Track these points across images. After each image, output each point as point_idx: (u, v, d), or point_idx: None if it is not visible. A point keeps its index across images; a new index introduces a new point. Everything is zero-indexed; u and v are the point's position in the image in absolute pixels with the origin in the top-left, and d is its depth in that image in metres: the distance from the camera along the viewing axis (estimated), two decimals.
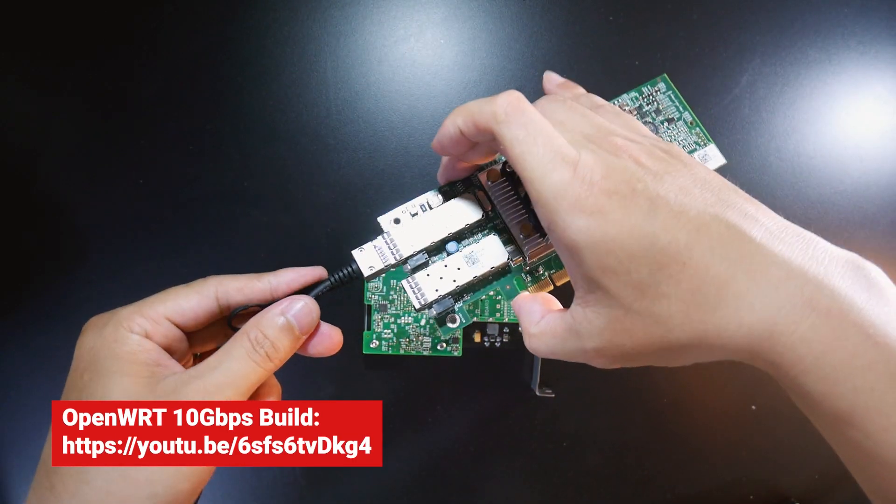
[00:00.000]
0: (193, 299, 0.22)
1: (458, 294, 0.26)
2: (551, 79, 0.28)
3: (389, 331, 0.35)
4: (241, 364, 0.21)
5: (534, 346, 0.22)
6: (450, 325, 0.27)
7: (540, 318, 0.22)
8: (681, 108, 0.30)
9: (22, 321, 0.37)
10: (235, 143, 0.37)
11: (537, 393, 0.36)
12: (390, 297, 0.35)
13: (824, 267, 0.18)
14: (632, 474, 0.38)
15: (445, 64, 0.37)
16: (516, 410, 0.37)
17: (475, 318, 0.34)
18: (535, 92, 0.33)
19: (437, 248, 0.26)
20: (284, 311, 0.22)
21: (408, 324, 0.35)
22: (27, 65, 0.36)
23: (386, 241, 0.24)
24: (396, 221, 0.25)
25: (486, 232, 0.26)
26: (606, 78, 0.36)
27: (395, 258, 0.24)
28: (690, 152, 0.29)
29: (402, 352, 0.35)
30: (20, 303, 0.37)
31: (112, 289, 0.37)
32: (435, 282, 0.24)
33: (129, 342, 0.21)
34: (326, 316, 0.37)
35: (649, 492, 0.38)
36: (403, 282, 0.25)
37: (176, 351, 0.22)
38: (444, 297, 0.25)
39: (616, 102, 0.30)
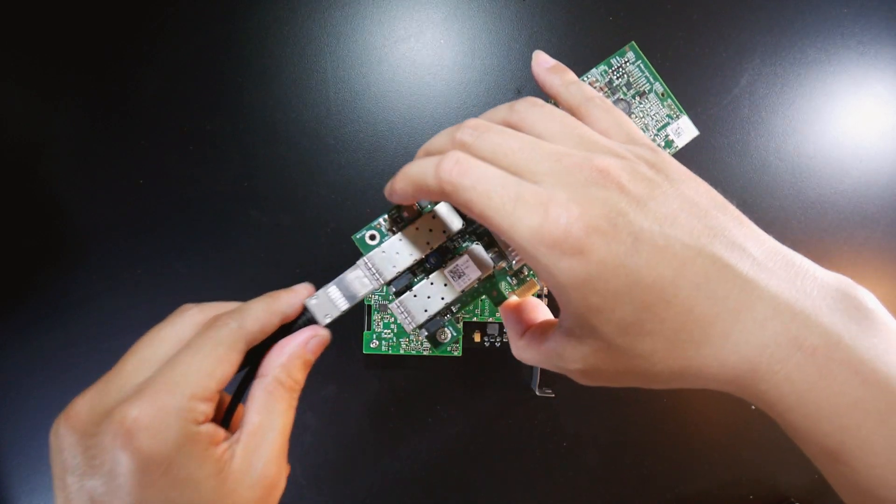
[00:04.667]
0: (229, 367, 0.20)
1: (446, 310, 0.25)
2: (540, 61, 0.25)
3: (389, 331, 0.35)
4: (286, 416, 0.21)
5: (519, 356, 0.23)
6: (441, 339, 0.27)
7: (524, 331, 0.23)
8: (651, 79, 0.29)
9: (22, 321, 0.37)
10: (235, 143, 0.37)
11: (537, 393, 0.36)
12: (390, 298, 0.35)
13: (812, 300, 0.17)
14: (632, 474, 0.38)
15: (445, 64, 0.37)
16: (516, 410, 0.37)
17: (463, 320, 0.34)
18: (534, 93, 0.33)
19: (419, 265, 0.25)
20: (306, 353, 0.22)
21: None
22: (28, 65, 0.36)
23: (367, 266, 0.24)
24: (373, 238, 0.25)
25: (465, 240, 0.25)
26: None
27: (377, 282, 0.24)
28: (663, 126, 0.28)
29: (402, 352, 0.35)
30: (20, 303, 0.37)
31: (112, 289, 0.37)
32: (423, 301, 0.24)
33: (202, 436, 0.18)
34: None
35: (649, 492, 0.38)
36: (391, 305, 0.24)
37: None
38: (433, 317, 0.24)
39: (585, 79, 0.28)
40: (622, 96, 0.28)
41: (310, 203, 0.37)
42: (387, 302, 0.35)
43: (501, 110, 0.22)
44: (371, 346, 0.35)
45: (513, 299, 0.26)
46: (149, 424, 0.17)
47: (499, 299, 0.26)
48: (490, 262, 0.25)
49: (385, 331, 0.35)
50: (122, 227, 0.37)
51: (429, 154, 0.21)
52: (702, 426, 0.38)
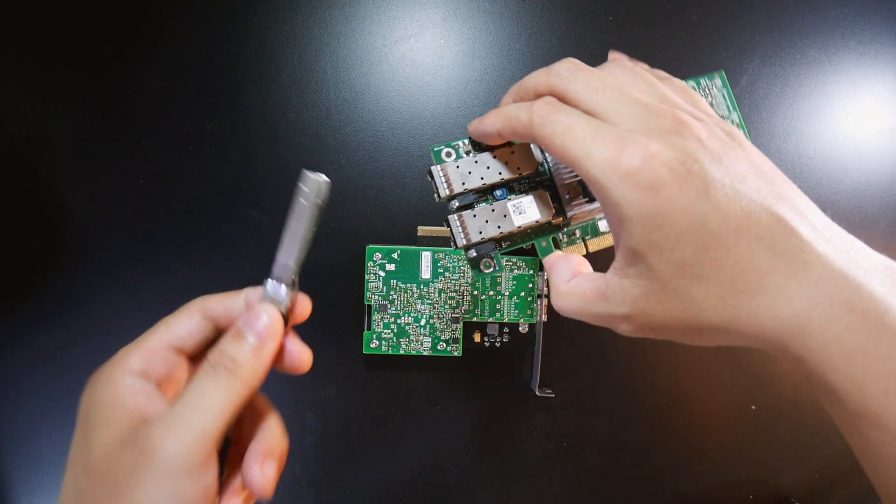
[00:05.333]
0: (182, 321, 0.22)
1: (497, 240, 0.26)
2: (617, 57, 0.27)
3: (389, 331, 0.35)
4: (208, 393, 0.19)
5: (561, 303, 0.22)
6: (483, 269, 0.27)
7: (571, 278, 0.22)
8: (731, 108, 0.30)
9: (22, 321, 0.37)
10: (235, 143, 0.37)
11: (537, 393, 0.36)
12: (390, 297, 0.35)
13: (864, 270, 0.18)
14: (632, 474, 0.38)
15: (445, 64, 0.37)
16: (516, 410, 0.37)
17: (463, 320, 0.34)
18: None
19: (485, 191, 0.26)
20: (241, 324, 0.21)
21: (408, 324, 0.35)
22: (28, 65, 0.36)
23: (439, 178, 0.25)
24: (448, 155, 0.26)
25: (533, 186, 0.26)
26: None
27: (447, 191, 0.25)
28: None
29: (402, 352, 0.35)
30: (20, 303, 0.37)
31: (112, 289, 0.37)
32: (480, 224, 0.25)
33: (121, 386, 0.20)
34: (326, 314, 0.37)
35: (649, 492, 0.38)
36: (450, 217, 0.25)
37: (179, 379, 0.21)
38: (486, 240, 0.25)
39: None
40: None
41: None
42: (387, 302, 0.35)
43: (588, 68, 0.22)
44: (371, 346, 0.35)
45: (558, 252, 0.26)
46: (96, 372, 0.20)
47: (546, 250, 0.27)
48: (552, 210, 0.25)
49: (385, 331, 0.35)
50: (122, 227, 0.37)
51: (522, 87, 0.23)
52: (702, 426, 0.38)
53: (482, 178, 0.25)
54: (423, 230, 0.36)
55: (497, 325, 0.36)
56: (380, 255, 0.35)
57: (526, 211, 0.25)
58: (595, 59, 0.39)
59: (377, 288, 0.35)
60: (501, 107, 0.23)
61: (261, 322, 0.20)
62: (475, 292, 0.35)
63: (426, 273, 0.35)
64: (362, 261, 0.36)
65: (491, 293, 0.35)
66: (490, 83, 0.37)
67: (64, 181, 0.37)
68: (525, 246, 0.27)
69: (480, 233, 0.25)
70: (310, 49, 0.37)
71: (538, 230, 0.26)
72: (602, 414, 0.38)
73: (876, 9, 0.37)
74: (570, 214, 0.26)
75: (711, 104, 0.29)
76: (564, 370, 0.37)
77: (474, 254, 0.26)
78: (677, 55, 0.37)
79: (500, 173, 0.25)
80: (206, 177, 0.37)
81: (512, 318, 0.35)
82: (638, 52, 0.37)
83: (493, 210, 0.25)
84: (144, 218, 0.37)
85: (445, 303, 0.35)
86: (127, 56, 0.36)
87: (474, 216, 0.25)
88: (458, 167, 0.25)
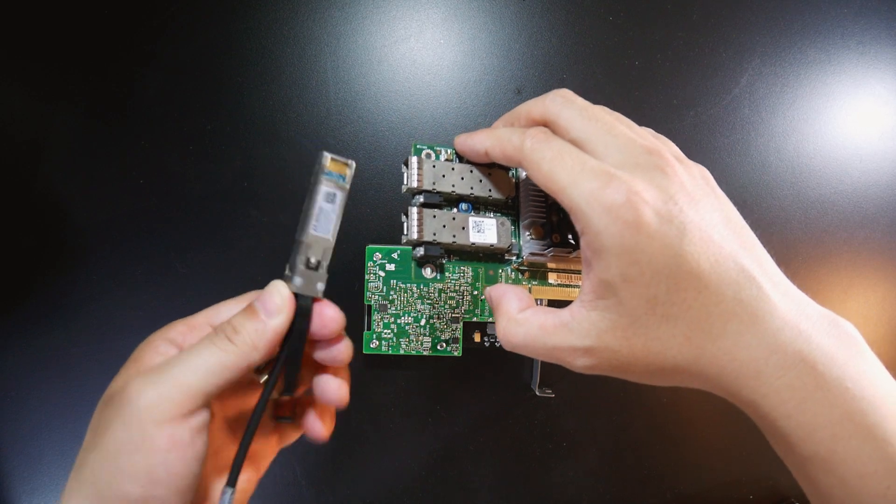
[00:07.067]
0: (231, 305, 0.23)
1: (447, 251, 0.26)
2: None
3: (389, 331, 0.35)
4: (200, 354, 0.19)
5: (512, 331, 0.22)
6: (424, 273, 0.28)
7: (524, 307, 0.22)
8: None
9: (22, 321, 0.37)
10: (235, 143, 0.37)
11: (537, 393, 0.36)
12: (390, 297, 0.35)
13: (812, 323, 0.19)
14: (632, 474, 0.38)
15: (445, 64, 0.37)
16: (516, 410, 0.37)
17: (463, 320, 0.34)
18: (534, 94, 0.33)
19: (452, 200, 0.26)
20: (254, 300, 0.21)
21: (408, 324, 0.35)
22: (28, 65, 0.36)
23: (413, 168, 0.25)
24: (428, 156, 0.26)
25: (499, 212, 0.27)
26: (606, 78, 0.36)
27: (416, 184, 0.25)
28: None
29: (402, 352, 0.35)
30: (20, 303, 0.37)
31: (112, 289, 0.37)
32: (437, 226, 0.25)
33: (149, 347, 0.21)
34: None
35: (649, 492, 0.38)
36: (410, 208, 0.25)
37: None
38: (436, 244, 0.25)
39: None
40: None
41: None
42: (387, 302, 0.35)
43: (581, 99, 0.23)
44: (371, 346, 0.35)
45: (506, 283, 0.26)
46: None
47: (493, 280, 0.27)
48: (511, 241, 0.26)
49: (385, 331, 0.35)
50: (122, 227, 0.37)
51: (515, 113, 0.24)
52: (702, 426, 0.38)
53: (453, 186, 0.25)
54: None
55: None
56: (380, 255, 0.35)
57: (485, 231, 0.25)
58: (595, 58, 0.39)
59: (377, 288, 0.35)
60: (494, 129, 0.24)
61: (271, 299, 0.21)
62: (475, 292, 0.35)
63: (426, 273, 0.35)
64: (362, 261, 0.36)
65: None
66: (490, 83, 0.37)
67: (64, 181, 0.37)
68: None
69: (434, 234, 0.25)
70: (310, 49, 0.37)
71: (489, 255, 0.26)
72: (602, 414, 0.38)
73: (876, 9, 0.37)
74: (525, 253, 0.26)
75: None
76: (564, 370, 0.37)
77: (421, 252, 0.26)
78: (677, 55, 0.37)
79: (471, 188, 0.25)
80: (206, 177, 0.37)
81: None
82: (638, 52, 0.37)
83: (454, 219, 0.25)
84: (144, 218, 0.37)
85: (445, 303, 0.35)
86: (127, 56, 0.36)
87: (434, 217, 0.25)
88: (433, 167, 0.25)
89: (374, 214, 0.37)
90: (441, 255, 0.26)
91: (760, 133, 0.37)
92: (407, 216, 0.25)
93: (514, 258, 0.27)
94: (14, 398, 0.37)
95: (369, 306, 0.35)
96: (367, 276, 0.35)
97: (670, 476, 0.38)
